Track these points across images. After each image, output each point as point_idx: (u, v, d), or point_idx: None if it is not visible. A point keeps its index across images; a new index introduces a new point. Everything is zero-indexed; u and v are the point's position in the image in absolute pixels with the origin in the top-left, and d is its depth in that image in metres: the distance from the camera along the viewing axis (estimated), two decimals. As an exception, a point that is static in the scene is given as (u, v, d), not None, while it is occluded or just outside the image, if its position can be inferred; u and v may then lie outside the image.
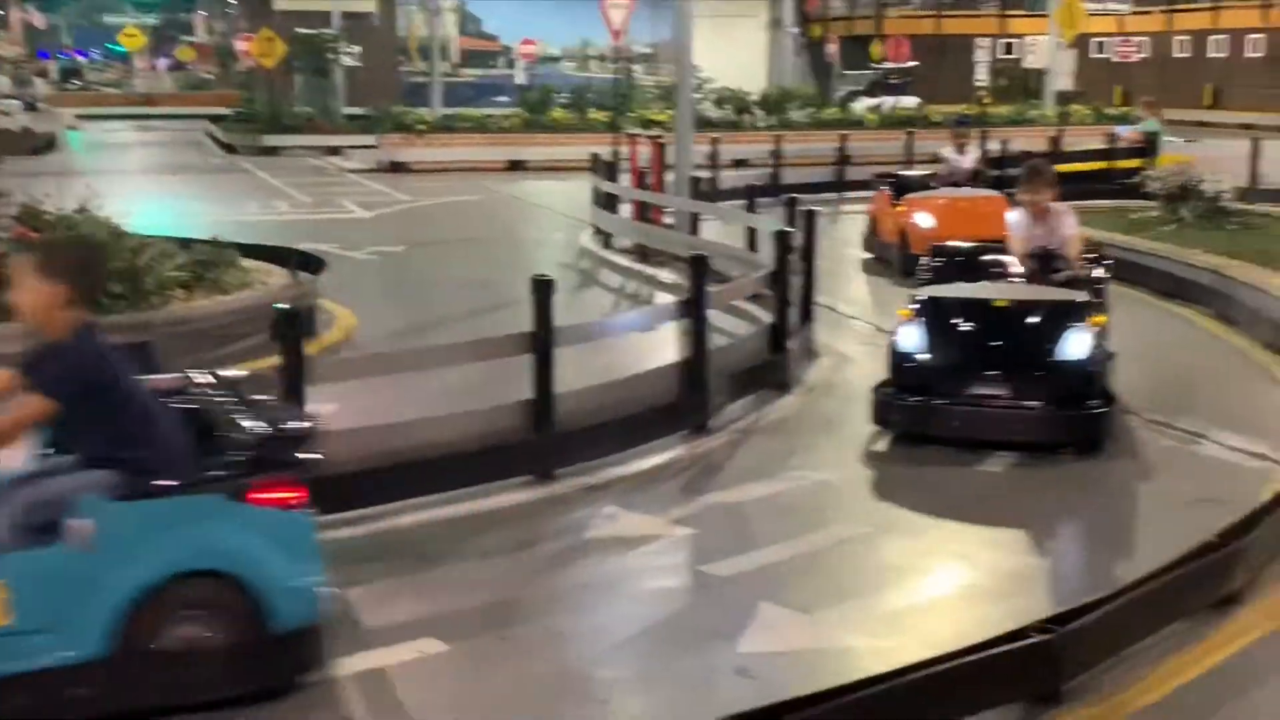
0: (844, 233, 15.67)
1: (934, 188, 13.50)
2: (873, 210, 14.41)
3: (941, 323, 7.15)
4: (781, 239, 8.87)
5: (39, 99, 32.16)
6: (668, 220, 14.88)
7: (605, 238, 15.22)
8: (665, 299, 11.27)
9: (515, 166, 25.37)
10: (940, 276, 7.72)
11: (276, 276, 10.23)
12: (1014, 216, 7.66)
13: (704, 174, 17.08)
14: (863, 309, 11.42)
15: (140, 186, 20.28)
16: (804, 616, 4.88)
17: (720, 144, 20.35)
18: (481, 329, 9.45)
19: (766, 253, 9.38)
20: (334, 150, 27.78)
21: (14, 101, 24.63)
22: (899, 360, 7.13)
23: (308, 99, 31.80)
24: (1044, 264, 7.45)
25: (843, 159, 21.87)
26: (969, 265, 7.80)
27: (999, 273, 7.66)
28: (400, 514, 5.94)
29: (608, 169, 15.76)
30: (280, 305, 5.84)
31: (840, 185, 20.79)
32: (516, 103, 31.36)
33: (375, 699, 4.25)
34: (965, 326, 7.17)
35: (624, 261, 14.21)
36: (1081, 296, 7.21)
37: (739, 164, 21.79)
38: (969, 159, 14.07)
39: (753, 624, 4.79)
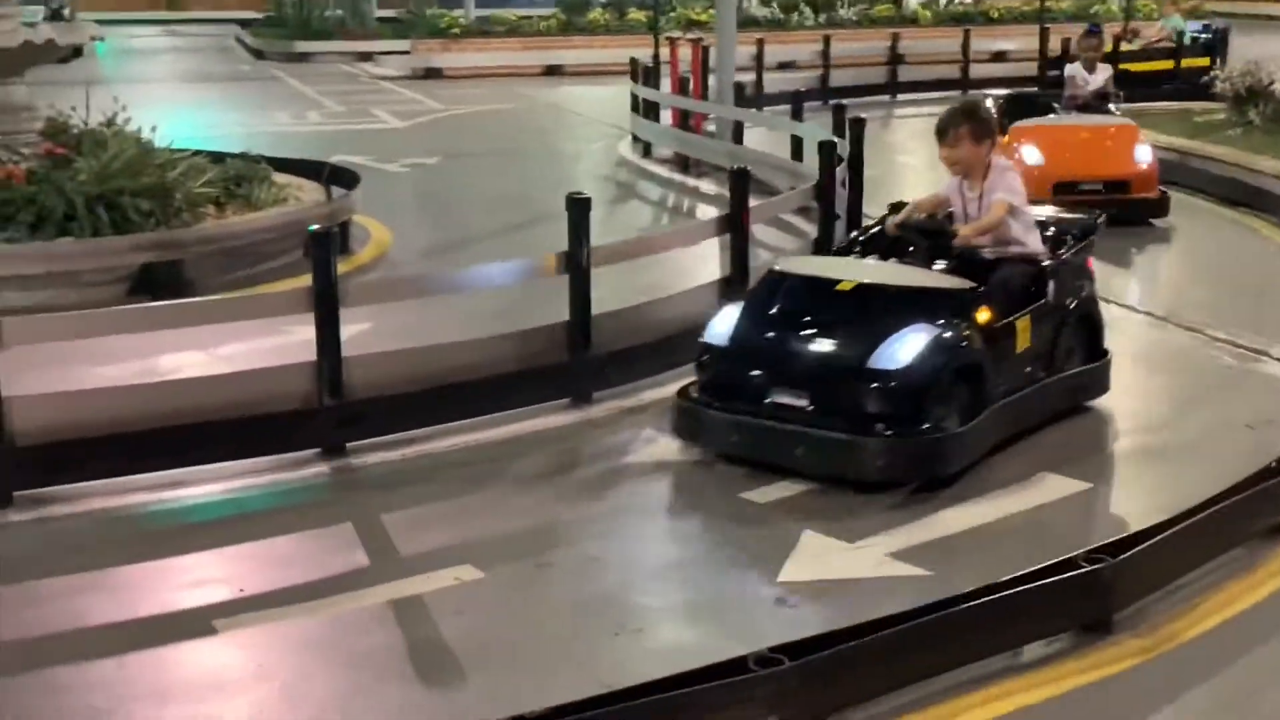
0: (896, 139, 15.47)
1: (1057, 111, 11.47)
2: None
3: (768, 306, 5.76)
4: (828, 149, 8.77)
5: (65, 4, 32.08)
6: (710, 128, 14.74)
7: (645, 147, 15.10)
8: (707, 212, 11.22)
9: (552, 71, 25.13)
10: (870, 247, 6.28)
11: (310, 191, 10.26)
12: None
13: (748, 78, 16.89)
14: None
15: (167, 96, 20.27)
16: (846, 545, 4.92)
17: (766, 45, 20.04)
18: (518, 245, 9.46)
19: (813, 162, 9.28)
20: (366, 56, 27.62)
21: (38, 8, 24.61)
22: (699, 352, 5.79)
23: (339, 1, 31.57)
24: (930, 239, 5.96)
25: (895, 59, 21.50)
26: (921, 236, 6.05)
27: (937, 250, 5.98)
28: (436, 439, 6.00)
29: (647, 74, 15.59)
30: (314, 227, 5.84)
31: (893, 88, 20.48)
32: (553, 3, 30.98)
33: (410, 627, 4.34)
34: (788, 313, 5.69)
35: (664, 172, 14.10)
36: (961, 285, 5.65)
37: (785, 66, 21.49)
38: (1100, 77, 11.76)
39: (794, 552, 4.83)
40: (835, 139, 9.28)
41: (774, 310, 5.74)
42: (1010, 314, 5.75)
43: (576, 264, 6.37)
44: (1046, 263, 6.03)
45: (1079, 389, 6.27)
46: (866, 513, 5.19)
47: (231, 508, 5.39)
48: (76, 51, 9.69)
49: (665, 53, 16.91)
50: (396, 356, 6.07)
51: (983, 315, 5.59)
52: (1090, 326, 6.36)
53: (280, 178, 10.35)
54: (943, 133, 5.97)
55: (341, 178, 10.69)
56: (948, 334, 5.43)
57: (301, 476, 5.66)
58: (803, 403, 5.40)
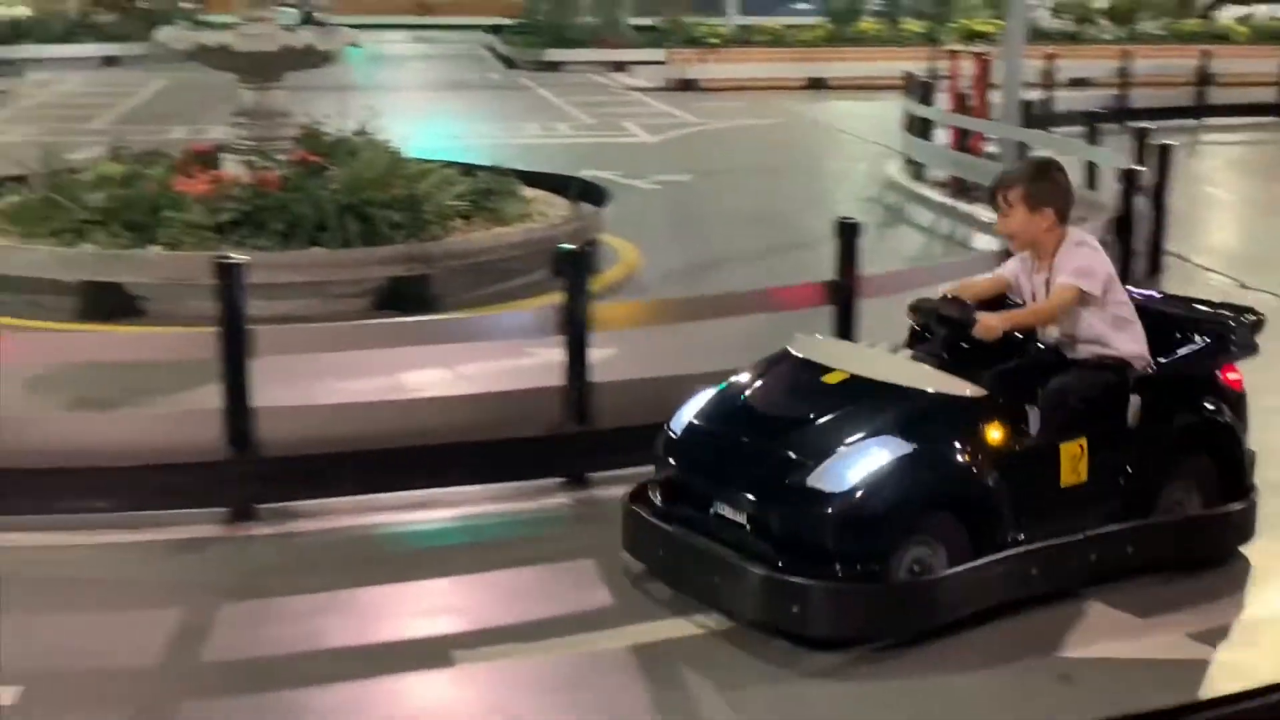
0: (1203, 168, 14.88)
1: None
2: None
3: (748, 392, 5.02)
4: (1128, 177, 8.51)
5: (318, 8, 33.99)
6: (990, 149, 14.48)
7: (916, 169, 14.96)
8: (984, 242, 11.02)
9: (816, 84, 25.18)
10: (919, 337, 5.23)
11: (557, 207, 10.57)
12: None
13: (1036, 95, 16.52)
14: (1223, 260, 10.83)
15: (416, 104, 21.24)
16: (1137, 621, 4.74)
17: (1057, 60, 19.58)
18: (774, 270, 9.51)
19: (1109, 191, 9.02)
20: (619, 66, 28.25)
21: (291, 10, 26.17)
22: (656, 445, 5.07)
23: (594, 8, 32.39)
24: (948, 327, 5.00)
25: (1204, 80, 20.68)
26: (940, 322, 5.08)
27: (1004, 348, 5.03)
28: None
29: (922, 89, 15.44)
30: (565, 246, 6.01)
31: (1200, 111, 19.70)
32: (820, 11, 31.05)
33: (654, 674, 4.40)
34: (762, 404, 4.98)
35: (937, 196, 13.93)
36: (965, 391, 4.71)
37: (1078, 84, 20.93)
38: None
39: (1079, 626, 4.69)
40: (1137, 166, 8.99)
41: (750, 398, 4.97)
42: (1057, 436, 4.78)
43: (844, 293, 6.36)
44: (1136, 373, 5.00)
45: (1195, 536, 5.13)
46: (1162, 586, 4.99)
47: (470, 534, 5.58)
48: (327, 57, 10.23)
49: (943, 65, 16.73)
50: (644, 385, 6.16)
51: (994, 433, 4.66)
52: (1223, 459, 5.19)
53: (528, 192, 10.70)
54: (993, 195, 5.14)
55: (590, 194, 10.97)
56: (929, 452, 4.57)
57: (542, 506, 5.82)
58: (740, 519, 4.65)
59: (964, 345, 4.96)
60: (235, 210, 8.92)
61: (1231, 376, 5.32)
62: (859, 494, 4.42)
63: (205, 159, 9.94)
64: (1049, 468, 4.77)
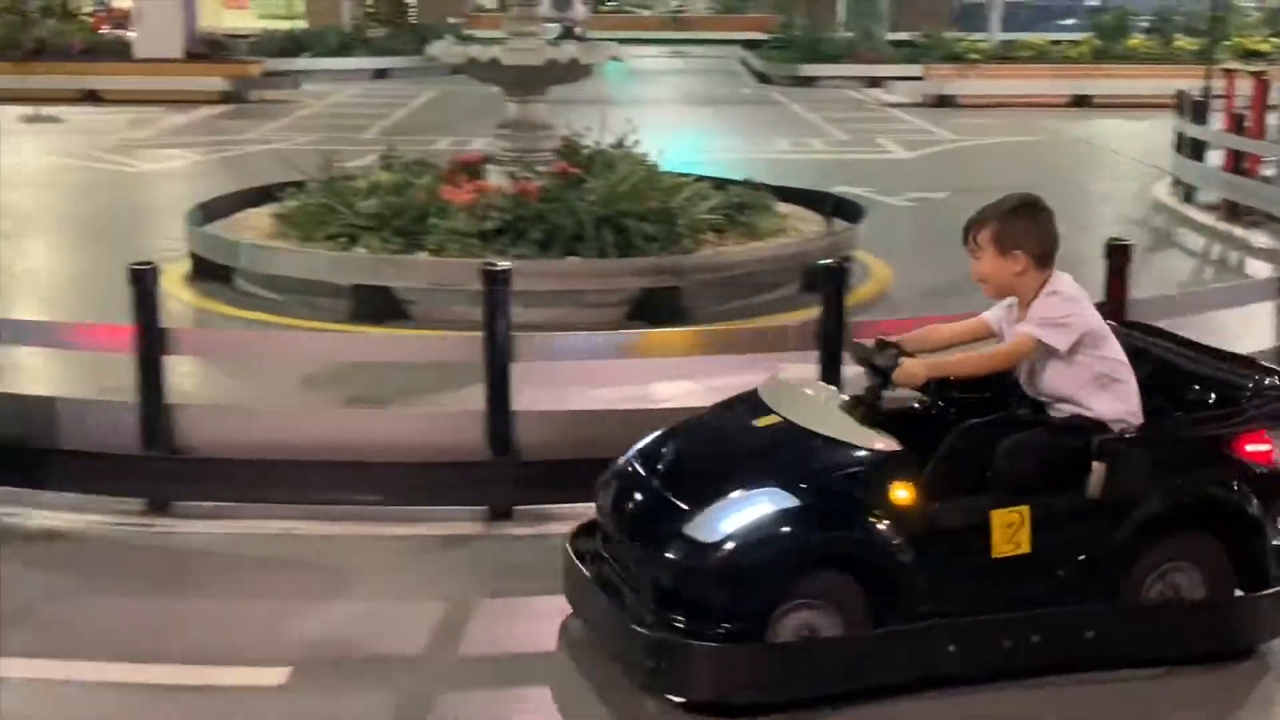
0: None
1: None
2: None
3: (687, 434, 4.74)
4: None
5: (578, 22, 34.78)
6: (1267, 171, 13.83)
7: (1186, 191, 14.40)
8: (1258, 269, 10.56)
9: (1080, 102, 24.45)
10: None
11: (811, 223, 10.57)
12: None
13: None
14: None
15: (670, 118, 21.51)
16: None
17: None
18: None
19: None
20: (874, 81, 27.96)
21: (552, 26, 26.84)
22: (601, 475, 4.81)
23: (852, 23, 32.18)
24: (875, 372, 4.58)
25: None
26: (871, 368, 4.65)
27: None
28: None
29: (1195, 108, 14.85)
30: (823, 261, 6.02)
31: None
32: (1087, 27, 30.18)
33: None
34: (698, 443, 4.67)
35: (1208, 220, 13.38)
36: (875, 443, 4.31)
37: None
38: None
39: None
40: None
41: (681, 438, 4.69)
42: (990, 501, 4.30)
43: (1113, 318, 6.16)
44: (1105, 437, 4.42)
45: (1192, 627, 4.50)
46: None
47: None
48: (589, 71, 10.48)
49: (1218, 85, 16.06)
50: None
51: (901, 492, 4.20)
52: (1234, 542, 4.53)
53: (781, 207, 10.74)
54: (965, 235, 4.71)
55: (844, 210, 10.93)
56: (818, 506, 4.18)
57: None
58: (624, 560, 4.44)
59: (955, 396, 4.71)
60: (498, 219, 9.22)
61: (1253, 448, 4.56)
62: (730, 545, 4.09)
63: (470, 169, 10.30)
64: (977, 535, 4.28)
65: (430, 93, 25.91)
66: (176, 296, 9.42)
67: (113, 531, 5.64)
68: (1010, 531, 4.29)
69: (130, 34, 26.33)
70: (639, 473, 4.55)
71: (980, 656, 4.28)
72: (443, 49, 10.67)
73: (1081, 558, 4.39)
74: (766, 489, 4.19)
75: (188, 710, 4.28)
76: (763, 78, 30.58)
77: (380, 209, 9.50)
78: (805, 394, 4.65)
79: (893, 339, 4.62)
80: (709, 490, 4.26)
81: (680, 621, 4.13)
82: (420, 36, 30.49)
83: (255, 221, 10.46)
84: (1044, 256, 4.58)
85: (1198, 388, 4.69)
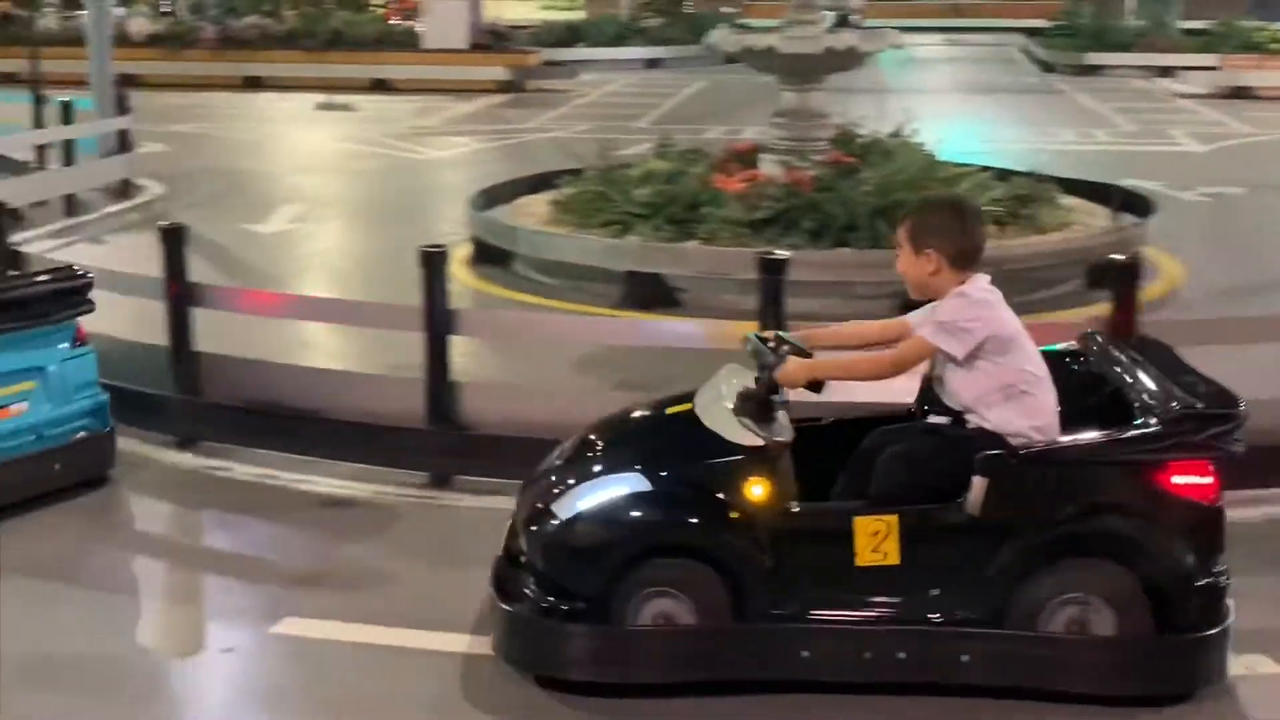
0: None
1: None
2: None
3: (619, 421, 4.72)
4: None
5: (855, 10, 34.39)
6: None
7: None
8: None
9: (1392, 93, 22.92)
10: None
11: (1097, 217, 10.20)
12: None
13: None
14: None
15: (948, 107, 21.08)
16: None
17: None
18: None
19: None
20: (1165, 71, 26.84)
21: (827, 14, 26.57)
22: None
23: (1142, 10, 30.95)
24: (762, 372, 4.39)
25: None
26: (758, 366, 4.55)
27: None
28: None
29: None
30: (1113, 256, 5.79)
31: None
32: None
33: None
34: (602, 432, 4.63)
35: None
36: (738, 439, 4.22)
37: None
38: None
39: None
40: None
41: (610, 425, 4.68)
42: (853, 508, 4.17)
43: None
44: (988, 451, 4.09)
45: (1094, 665, 4.10)
46: None
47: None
48: (865, 59, 10.35)
49: None
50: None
51: (757, 488, 4.13)
52: (1145, 579, 4.09)
53: (1066, 200, 10.39)
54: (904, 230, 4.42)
55: (1134, 204, 10.50)
56: (669, 494, 4.20)
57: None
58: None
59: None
60: (770, 208, 9.22)
61: (1182, 480, 4.08)
62: (577, 524, 4.21)
63: (743, 158, 10.33)
64: (839, 540, 4.13)
65: (700, 82, 26.09)
66: (457, 278, 9.73)
67: (399, 502, 5.88)
68: (875, 540, 4.14)
69: (419, 26, 27.40)
70: (554, 455, 4.66)
71: (838, 665, 4.17)
72: (721, 37, 10.72)
73: (960, 577, 4.15)
74: (629, 473, 4.26)
75: (465, 675, 4.42)
76: (1045, 66, 29.68)
77: (654, 197, 9.62)
78: (730, 384, 4.48)
79: (795, 334, 4.51)
80: (585, 472, 4.36)
81: (549, 600, 4.22)
82: (695, 26, 30.74)
83: (533, 208, 10.74)
84: (959, 257, 4.27)
85: (1136, 412, 4.18)
